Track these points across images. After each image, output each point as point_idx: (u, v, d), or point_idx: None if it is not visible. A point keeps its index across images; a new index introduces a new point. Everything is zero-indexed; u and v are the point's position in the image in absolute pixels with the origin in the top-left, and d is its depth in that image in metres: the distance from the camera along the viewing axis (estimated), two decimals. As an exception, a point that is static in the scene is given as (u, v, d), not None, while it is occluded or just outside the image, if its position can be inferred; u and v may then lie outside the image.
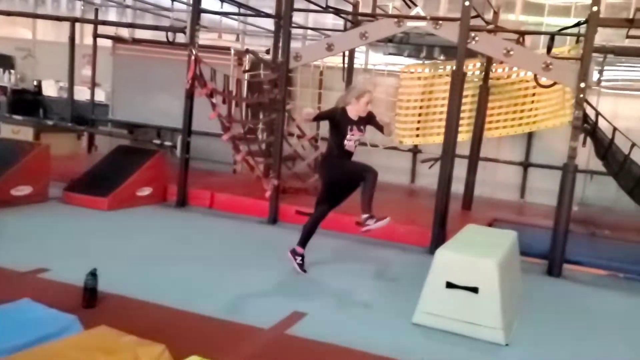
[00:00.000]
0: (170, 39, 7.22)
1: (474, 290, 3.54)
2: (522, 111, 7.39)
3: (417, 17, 5.33)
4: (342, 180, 4.46)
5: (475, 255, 3.61)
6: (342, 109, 4.34)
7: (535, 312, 4.15)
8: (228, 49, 7.39)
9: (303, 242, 4.56)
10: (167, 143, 6.80)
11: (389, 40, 7.81)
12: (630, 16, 5.91)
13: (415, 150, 8.85)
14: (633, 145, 5.49)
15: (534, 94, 7.31)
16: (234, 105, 6.18)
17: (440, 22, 5.34)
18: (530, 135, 8.52)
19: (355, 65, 8.00)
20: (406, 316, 3.68)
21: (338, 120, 4.30)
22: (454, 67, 5.32)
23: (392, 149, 8.34)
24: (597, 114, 5.60)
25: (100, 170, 6.35)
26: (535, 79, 5.83)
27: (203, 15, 6.45)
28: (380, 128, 4.51)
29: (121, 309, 3.27)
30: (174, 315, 3.29)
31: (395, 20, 5.31)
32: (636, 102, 8.38)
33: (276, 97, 5.69)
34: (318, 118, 4.51)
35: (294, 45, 5.83)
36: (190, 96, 6.09)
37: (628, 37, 5.49)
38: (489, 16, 7.05)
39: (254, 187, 6.45)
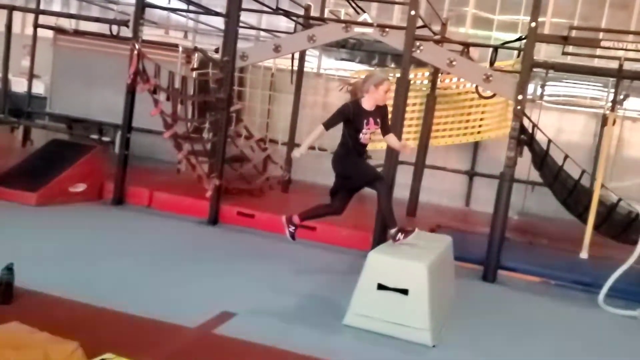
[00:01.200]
0: (114, 32, 7.09)
1: (404, 292, 3.67)
2: (467, 121, 7.70)
3: (364, 24, 5.48)
4: (352, 178, 4.48)
5: (406, 258, 3.74)
6: (355, 102, 4.22)
7: (467, 316, 4.32)
8: (176, 46, 7.34)
9: (304, 217, 4.60)
10: (105, 139, 6.66)
11: (341, 46, 7.98)
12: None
13: (366, 156, 9.00)
14: (566, 157, 5.81)
15: (479, 105, 7.63)
16: (180, 103, 6.14)
17: (387, 29, 5.51)
18: (476, 145, 8.87)
19: (308, 70, 8.12)
20: (338, 318, 3.77)
21: (353, 117, 4.16)
22: (399, 75, 5.50)
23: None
24: (534, 126, 5.91)
25: (31, 164, 6.15)
26: (477, 90, 6.09)
27: (152, 10, 6.40)
28: (386, 129, 4.46)
29: (38, 305, 3.19)
30: (93, 312, 3.23)
31: (343, 25, 5.45)
32: (576, 117, 8.88)
33: (222, 96, 5.70)
34: (330, 126, 4.25)
35: (245, 45, 5.88)
36: (131, 91, 6.00)
37: (564, 53, 5.83)
38: (437, 27, 7.32)
39: (195, 186, 6.42)
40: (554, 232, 7.72)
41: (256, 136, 7.36)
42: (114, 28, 7.12)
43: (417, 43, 5.47)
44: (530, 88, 8.86)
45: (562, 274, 5.88)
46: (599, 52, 6.82)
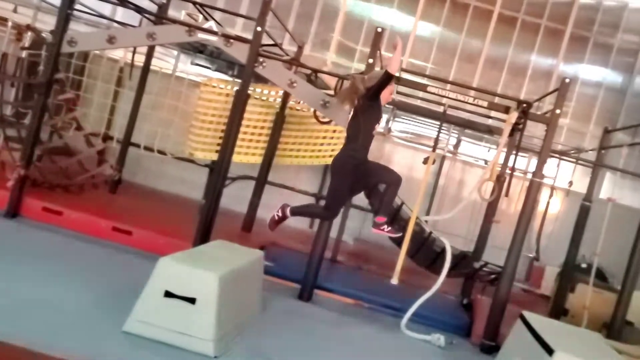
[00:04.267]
0: None
1: (192, 301, 3.79)
2: (315, 144, 8.13)
3: (209, 31, 5.62)
4: (362, 183, 4.52)
5: (197, 267, 3.87)
6: None
7: (264, 330, 4.55)
8: (5, 20, 6.85)
9: (295, 213, 4.60)
10: None
11: (199, 51, 8.04)
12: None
13: (212, 167, 9.10)
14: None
15: (327, 130, 8.11)
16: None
17: (232, 41, 5.71)
18: (326, 168, 9.39)
19: (166, 70, 8.06)
20: (121, 325, 3.76)
21: (378, 104, 4.26)
22: (239, 87, 5.71)
23: (189, 162, 8.47)
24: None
25: None
26: (314, 114, 6.52)
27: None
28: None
29: None
30: None
31: (187, 29, 5.55)
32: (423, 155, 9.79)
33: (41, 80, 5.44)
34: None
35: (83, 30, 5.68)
36: None
37: (397, 93, 6.49)
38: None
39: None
40: (385, 258, 8.40)
41: (86, 130, 7.07)
42: None
43: (261, 59, 5.75)
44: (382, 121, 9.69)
45: (375, 298, 6.45)
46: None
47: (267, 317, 4.89)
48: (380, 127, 9.68)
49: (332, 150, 8.36)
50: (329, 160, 8.54)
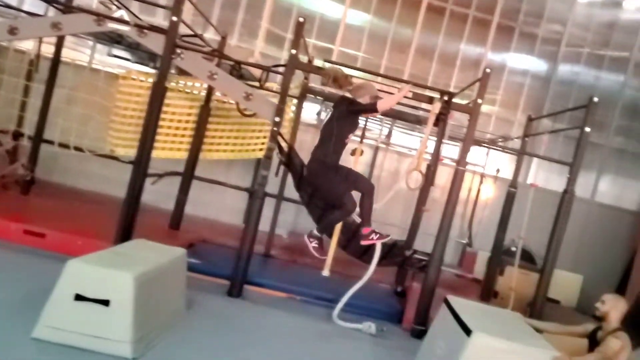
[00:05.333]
0: None
1: (105, 303, 3.76)
2: (244, 137, 8.13)
3: (120, 20, 5.51)
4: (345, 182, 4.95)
5: (110, 268, 3.83)
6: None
7: (193, 329, 4.58)
8: None
9: (322, 230, 5.19)
10: None
11: (116, 41, 7.85)
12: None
13: (138, 163, 8.92)
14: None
15: (257, 123, 8.13)
16: None
17: (146, 31, 5.63)
18: (258, 163, 9.42)
19: (77, 61, 7.78)
20: (30, 331, 3.68)
21: (357, 118, 4.89)
22: (155, 79, 5.64)
23: (112, 159, 8.26)
24: (290, 148, 6.54)
25: None
26: (237, 107, 6.54)
27: None
28: None
29: None
30: None
31: (95, 18, 5.42)
32: (350, 145, 9.99)
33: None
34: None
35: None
36: None
37: (322, 84, 6.59)
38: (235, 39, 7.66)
39: None
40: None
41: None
42: None
43: (179, 50, 5.70)
44: (312, 112, 9.82)
45: (307, 290, 6.58)
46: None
47: (194, 315, 4.91)
48: (313, 120, 9.92)
49: (263, 143, 8.40)
50: (260, 154, 8.58)
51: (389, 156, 10.45)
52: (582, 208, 10.13)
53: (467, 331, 4.18)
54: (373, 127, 9.96)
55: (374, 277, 6.10)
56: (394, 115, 8.38)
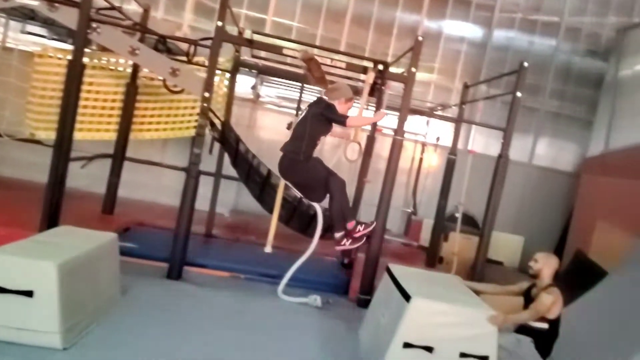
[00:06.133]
0: None
1: (29, 294, 3.64)
2: (176, 115, 7.95)
3: (28, -7, 5.23)
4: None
5: (31, 257, 3.70)
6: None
7: (128, 314, 4.51)
8: None
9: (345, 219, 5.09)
10: None
11: (29, 17, 7.44)
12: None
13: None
14: (254, 156, 6.46)
15: (188, 100, 7.95)
16: None
17: (57, 5, 5.35)
18: (193, 141, 9.23)
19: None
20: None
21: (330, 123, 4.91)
22: (72, 57, 5.40)
23: (35, 143, 7.90)
24: (224, 124, 6.46)
25: None
26: (164, 83, 6.37)
27: None
28: None
29: None
30: None
31: (0, -8, 5.12)
32: (282, 117, 9.95)
33: None
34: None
35: None
36: None
37: (252, 56, 6.51)
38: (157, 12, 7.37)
39: None
40: (264, 228, 8.51)
41: None
42: None
43: (95, 25, 5.46)
44: (247, 86, 9.70)
45: (251, 268, 6.59)
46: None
47: (130, 300, 4.83)
48: (249, 94, 9.79)
49: (196, 121, 8.23)
50: (193, 132, 8.41)
51: (330, 129, 10.47)
52: (521, 172, 10.59)
53: (407, 297, 4.30)
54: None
55: (321, 250, 6.16)
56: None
